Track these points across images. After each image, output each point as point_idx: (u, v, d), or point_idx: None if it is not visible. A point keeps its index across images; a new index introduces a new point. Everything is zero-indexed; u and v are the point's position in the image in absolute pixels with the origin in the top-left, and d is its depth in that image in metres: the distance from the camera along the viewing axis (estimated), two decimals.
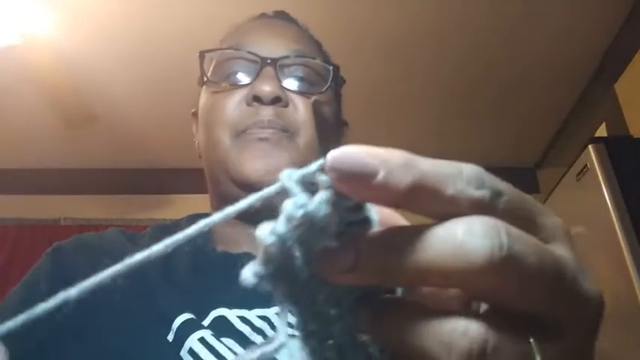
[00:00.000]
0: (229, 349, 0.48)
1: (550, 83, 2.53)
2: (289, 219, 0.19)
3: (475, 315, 0.20)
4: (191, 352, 0.48)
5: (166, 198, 2.93)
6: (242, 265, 0.21)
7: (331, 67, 0.64)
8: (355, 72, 2.45)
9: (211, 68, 0.65)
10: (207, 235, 0.63)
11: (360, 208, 0.21)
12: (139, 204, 3.05)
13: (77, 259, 0.56)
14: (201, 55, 0.65)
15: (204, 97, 0.66)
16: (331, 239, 0.20)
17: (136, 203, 3.06)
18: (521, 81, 2.53)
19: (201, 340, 0.48)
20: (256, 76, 0.60)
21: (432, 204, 0.20)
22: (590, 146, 1.64)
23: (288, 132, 0.59)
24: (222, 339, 0.49)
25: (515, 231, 0.19)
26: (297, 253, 0.20)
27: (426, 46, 2.32)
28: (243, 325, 0.50)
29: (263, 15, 0.73)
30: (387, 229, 0.20)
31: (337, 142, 0.71)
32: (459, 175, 0.20)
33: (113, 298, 0.47)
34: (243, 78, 0.62)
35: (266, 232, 0.19)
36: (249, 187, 0.57)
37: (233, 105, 0.61)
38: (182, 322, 0.50)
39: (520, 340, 0.20)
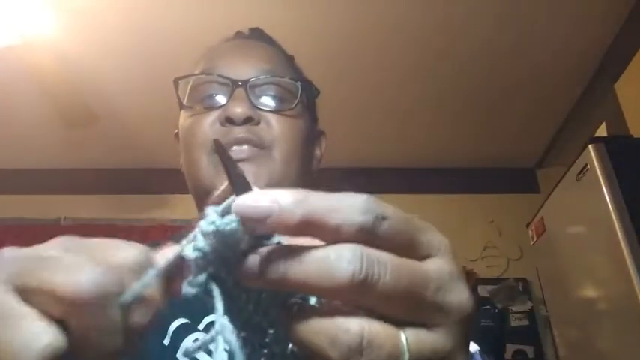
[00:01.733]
0: (225, 350, 0.49)
1: (550, 83, 2.53)
2: (203, 233, 0.25)
3: (361, 315, 0.24)
4: (186, 352, 0.50)
5: (166, 198, 2.94)
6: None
7: (299, 84, 0.67)
8: (354, 73, 2.46)
9: (187, 93, 0.68)
10: None
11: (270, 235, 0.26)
12: (139, 204, 3.05)
13: None
14: (175, 81, 0.68)
15: (182, 120, 0.69)
16: (244, 253, 0.25)
17: (136, 203, 3.06)
18: (522, 81, 2.53)
19: (197, 342, 0.50)
20: (228, 98, 0.64)
21: (322, 232, 0.24)
22: (590, 146, 1.64)
23: (264, 147, 0.62)
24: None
25: (376, 256, 0.24)
26: (220, 263, 0.25)
27: (426, 46, 2.32)
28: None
29: (238, 34, 0.76)
30: (286, 247, 0.24)
31: (313, 153, 0.74)
32: (345, 207, 0.24)
33: None
34: (216, 100, 0.66)
35: (190, 249, 0.25)
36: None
37: (208, 126, 0.64)
38: (177, 327, 0.52)
39: (392, 335, 0.24)
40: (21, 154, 3.02)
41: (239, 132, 0.62)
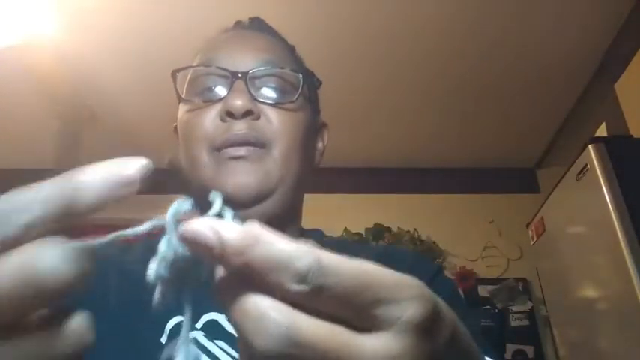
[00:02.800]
0: (222, 349, 0.50)
1: (550, 83, 2.53)
2: (163, 259, 0.25)
3: None
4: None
5: (166, 198, 2.93)
6: None
7: (300, 75, 0.65)
8: (354, 73, 2.46)
9: (185, 85, 0.67)
10: None
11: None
12: (139, 204, 3.04)
13: None
14: (173, 74, 0.67)
15: (180, 113, 0.68)
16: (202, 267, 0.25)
17: (136, 203, 3.05)
18: (521, 81, 2.53)
19: (194, 340, 0.50)
20: (228, 90, 0.62)
21: (259, 283, 0.23)
22: (590, 146, 1.64)
23: (263, 146, 0.61)
24: (215, 340, 0.51)
25: (305, 334, 0.22)
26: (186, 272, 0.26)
27: (425, 45, 2.32)
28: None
29: (237, 24, 0.74)
30: (229, 279, 0.24)
31: (315, 146, 0.73)
32: (285, 268, 0.22)
33: (108, 304, 0.48)
34: (216, 93, 0.64)
35: (151, 275, 0.25)
36: (228, 203, 0.60)
37: (208, 121, 0.63)
38: (175, 325, 0.51)
39: None
40: (21, 154, 3.02)
41: (239, 128, 0.61)
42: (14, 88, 2.45)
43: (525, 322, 2.72)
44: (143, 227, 0.27)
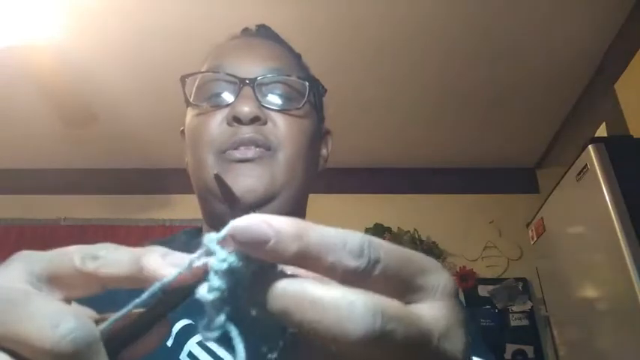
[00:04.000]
0: (221, 358, 0.49)
1: (550, 83, 2.54)
2: (217, 272, 0.24)
3: None
4: (190, 355, 0.49)
5: (166, 198, 2.94)
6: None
7: (307, 83, 0.67)
8: (355, 73, 2.46)
9: (194, 90, 0.68)
10: (200, 248, 0.66)
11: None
12: (139, 204, 3.05)
13: None
14: (182, 79, 0.68)
15: (188, 118, 0.69)
16: (249, 280, 0.24)
17: (136, 203, 3.06)
18: (522, 81, 2.53)
19: (200, 343, 0.50)
20: (236, 96, 0.63)
21: (314, 268, 0.24)
22: (590, 146, 1.64)
23: (270, 149, 0.62)
24: (213, 348, 0.50)
25: (391, 311, 0.23)
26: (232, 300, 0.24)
27: (426, 46, 2.32)
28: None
29: (244, 32, 0.75)
30: (290, 281, 0.24)
31: (319, 152, 0.74)
32: (342, 246, 0.23)
33: (115, 308, 0.48)
34: (223, 99, 0.65)
35: (204, 291, 0.24)
36: (234, 206, 0.60)
37: (215, 125, 0.64)
38: (181, 328, 0.51)
39: None
40: (21, 154, 3.02)
41: (246, 132, 0.61)
42: (14, 89, 2.45)
43: (525, 322, 2.73)
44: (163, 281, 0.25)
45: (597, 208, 1.59)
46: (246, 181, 0.60)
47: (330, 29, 2.22)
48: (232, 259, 0.24)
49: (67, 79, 2.04)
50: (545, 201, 2.08)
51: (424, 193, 3.10)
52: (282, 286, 0.23)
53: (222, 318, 0.24)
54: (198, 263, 0.25)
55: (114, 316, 0.25)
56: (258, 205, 0.60)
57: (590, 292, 1.76)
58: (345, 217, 2.90)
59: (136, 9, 2.12)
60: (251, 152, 0.61)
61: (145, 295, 0.25)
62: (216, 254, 0.24)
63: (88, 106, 2.18)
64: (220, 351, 0.49)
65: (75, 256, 0.26)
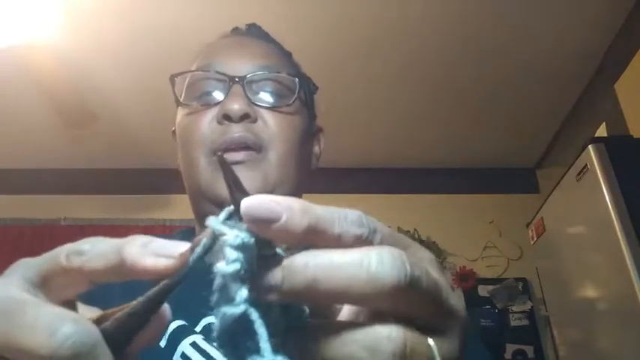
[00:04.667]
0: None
1: (550, 83, 2.54)
2: (234, 247, 0.23)
3: (393, 322, 0.24)
4: (183, 356, 0.49)
5: (166, 198, 2.94)
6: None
7: (297, 79, 0.66)
8: (355, 72, 2.46)
9: (183, 90, 0.67)
10: None
11: (271, 244, 0.25)
12: (139, 204, 3.05)
13: None
14: (172, 78, 0.67)
15: (179, 117, 0.69)
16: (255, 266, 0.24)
17: (136, 203, 3.06)
18: (522, 81, 2.53)
19: (193, 344, 0.50)
20: (225, 94, 0.63)
21: (325, 240, 0.24)
22: (590, 146, 1.64)
23: (260, 150, 0.62)
24: (215, 343, 0.50)
25: (412, 259, 0.24)
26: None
27: (426, 46, 2.32)
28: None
29: (234, 31, 0.75)
30: (310, 253, 0.24)
31: (311, 150, 0.73)
32: (344, 218, 0.24)
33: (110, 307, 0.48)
34: (213, 97, 0.65)
35: (223, 265, 0.23)
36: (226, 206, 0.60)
37: (205, 124, 0.63)
38: (174, 329, 0.51)
39: (425, 342, 0.24)
40: (21, 154, 3.02)
41: (236, 130, 0.61)
42: (14, 89, 2.45)
43: (525, 322, 2.73)
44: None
45: (597, 208, 1.59)
46: None
47: (324, 29, 2.22)
48: (245, 234, 0.24)
49: (67, 79, 2.04)
50: (545, 201, 2.08)
51: (424, 193, 3.10)
52: (301, 260, 0.23)
53: (244, 292, 0.23)
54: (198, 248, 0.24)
55: (115, 314, 0.25)
56: None
57: (590, 292, 1.76)
58: None
59: (135, 9, 2.12)
60: (241, 155, 0.61)
61: (152, 291, 0.24)
62: (227, 232, 0.24)
63: (87, 105, 2.18)
64: (213, 352, 0.49)
65: (61, 254, 0.26)
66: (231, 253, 0.23)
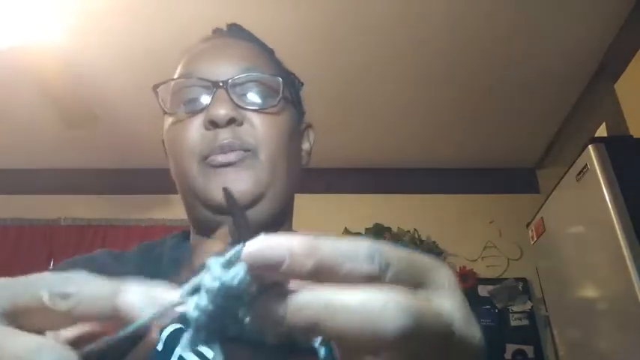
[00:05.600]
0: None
1: (550, 83, 2.54)
2: (207, 291, 0.24)
3: None
4: (181, 359, 0.49)
5: (166, 198, 2.93)
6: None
7: (280, 79, 0.66)
8: (354, 73, 2.46)
9: (169, 98, 0.67)
10: (188, 254, 0.66)
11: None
12: (139, 204, 3.05)
13: None
14: (155, 89, 0.67)
15: (166, 126, 0.69)
16: (251, 299, 0.24)
17: (136, 203, 3.06)
18: (522, 81, 2.53)
19: (180, 358, 0.50)
20: (210, 100, 0.63)
21: (332, 278, 0.24)
22: (590, 146, 1.64)
23: (249, 150, 0.62)
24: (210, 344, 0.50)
25: (420, 307, 0.24)
26: (223, 315, 0.24)
27: (426, 46, 2.32)
28: None
29: (215, 32, 0.75)
30: (314, 293, 0.24)
31: (300, 147, 0.73)
32: (355, 255, 0.24)
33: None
34: (199, 103, 0.65)
35: (191, 307, 0.24)
36: (221, 211, 0.61)
37: (193, 132, 0.64)
38: (171, 332, 0.51)
39: None
40: (21, 154, 3.02)
41: (224, 136, 0.61)
42: (15, 89, 2.45)
43: (525, 322, 2.73)
44: (135, 325, 0.25)
45: (597, 208, 1.59)
46: (232, 185, 0.59)
47: (331, 29, 2.22)
48: (226, 277, 0.24)
49: (68, 79, 2.05)
50: (545, 201, 2.08)
51: (424, 193, 3.10)
52: (305, 297, 0.23)
53: (203, 335, 0.24)
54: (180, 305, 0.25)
55: (95, 343, 0.25)
56: (247, 207, 0.60)
57: (590, 292, 1.76)
58: (345, 217, 2.91)
59: (137, 10, 2.12)
60: (232, 156, 0.61)
61: (128, 329, 0.24)
62: (210, 270, 0.24)
63: (88, 106, 2.18)
64: (211, 355, 0.49)
65: (42, 292, 0.24)
66: (202, 299, 0.24)
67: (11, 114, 2.67)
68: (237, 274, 0.24)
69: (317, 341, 0.27)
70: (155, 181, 3.07)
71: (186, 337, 0.25)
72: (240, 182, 0.60)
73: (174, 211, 2.91)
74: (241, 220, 0.26)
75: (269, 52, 0.73)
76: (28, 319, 0.25)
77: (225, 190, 0.28)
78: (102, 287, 0.25)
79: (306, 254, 0.23)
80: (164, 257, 0.66)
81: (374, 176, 3.15)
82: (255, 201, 0.61)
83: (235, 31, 0.75)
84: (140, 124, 2.77)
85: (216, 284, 0.24)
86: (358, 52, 2.35)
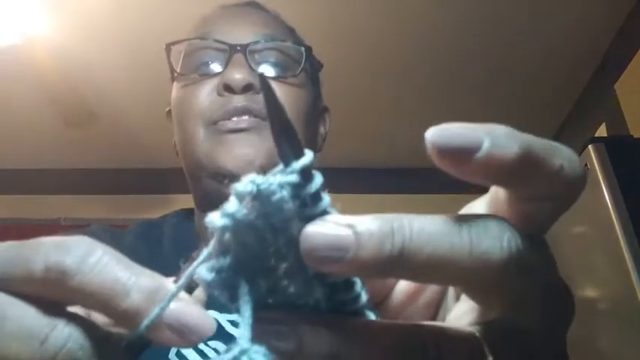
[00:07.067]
0: (217, 351, 0.48)
1: (550, 83, 2.53)
2: (238, 195, 0.17)
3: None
4: (179, 354, 0.48)
5: (166, 198, 2.93)
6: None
7: (303, 49, 0.62)
8: (353, 73, 2.46)
9: (180, 61, 0.63)
10: (190, 231, 0.61)
11: (319, 198, 0.19)
12: (139, 204, 3.05)
13: None
14: (168, 47, 0.62)
15: (175, 91, 0.64)
16: (290, 227, 0.18)
17: (136, 203, 3.06)
18: (521, 81, 2.53)
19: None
20: (226, 64, 0.58)
21: (536, 182, 0.19)
22: (590, 146, 1.64)
23: (265, 118, 0.57)
24: (210, 342, 0.48)
25: (521, 230, 0.19)
26: (256, 237, 0.18)
27: (427, 47, 2.32)
28: (234, 329, 0.49)
29: (232, 4, 0.71)
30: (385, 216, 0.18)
31: (317, 127, 0.68)
32: (559, 150, 0.19)
33: None
34: (213, 68, 0.60)
35: (217, 216, 0.18)
36: (229, 180, 0.55)
37: (204, 96, 0.58)
38: None
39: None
40: (21, 154, 3.02)
41: (239, 101, 0.56)
42: (14, 88, 2.45)
43: None
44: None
45: (597, 208, 1.58)
46: (242, 151, 0.54)
47: (333, 27, 2.22)
48: (266, 183, 0.17)
49: (68, 79, 2.05)
50: None
51: (424, 193, 3.09)
52: (377, 224, 0.18)
53: (227, 260, 0.18)
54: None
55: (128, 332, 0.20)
56: None
57: (590, 292, 1.76)
58: None
59: (137, 9, 2.12)
60: (245, 122, 0.56)
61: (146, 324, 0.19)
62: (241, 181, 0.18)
63: (88, 105, 2.18)
64: (209, 351, 0.48)
65: (36, 263, 0.19)
66: (231, 204, 0.18)
67: (11, 114, 2.67)
68: (276, 181, 0.18)
69: (363, 304, 0.20)
70: (155, 181, 3.08)
71: (202, 267, 0.18)
72: (252, 149, 0.55)
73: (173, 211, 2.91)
74: (282, 126, 0.18)
75: (290, 28, 0.69)
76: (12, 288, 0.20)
77: (262, 77, 0.20)
78: (110, 265, 0.19)
79: (511, 137, 0.19)
80: (165, 238, 0.61)
81: (374, 176, 3.15)
82: (266, 173, 0.56)
83: (255, 4, 0.70)
84: (140, 124, 2.77)
85: (249, 188, 0.17)
86: (359, 51, 2.35)
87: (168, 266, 0.58)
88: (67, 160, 3.07)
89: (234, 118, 0.56)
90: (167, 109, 0.68)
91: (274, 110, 0.18)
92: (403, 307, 0.25)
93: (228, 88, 0.57)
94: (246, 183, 0.17)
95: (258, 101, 0.57)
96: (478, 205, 0.26)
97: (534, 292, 0.20)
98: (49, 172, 3.13)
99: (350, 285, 0.20)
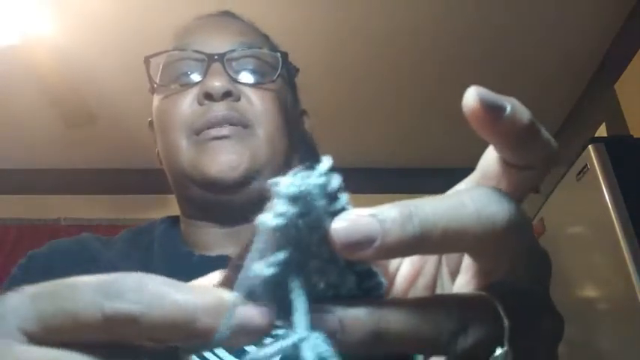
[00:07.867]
0: (216, 355, 0.48)
1: (550, 83, 2.53)
2: (285, 196, 0.19)
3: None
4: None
5: (166, 198, 2.93)
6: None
7: (279, 54, 0.63)
8: (352, 73, 2.46)
9: (159, 73, 0.65)
10: (177, 238, 0.62)
11: (340, 196, 0.22)
12: (139, 204, 3.05)
13: (51, 266, 0.56)
14: (146, 60, 0.66)
15: (155, 103, 0.66)
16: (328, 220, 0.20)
17: (136, 203, 3.06)
18: (521, 81, 2.52)
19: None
20: (205, 73, 0.60)
21: (535, 148, 0.25)
22: (590, 146, 1.64)
23: (247, 126, 0.58)
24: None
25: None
26: (298, 240, 0.20)
27: (423, 47, 2.32)
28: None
29: (208, 15, 0.73)
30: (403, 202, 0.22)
31: (297, 131, 0.70)
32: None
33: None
34: (192, 78, 0.62)
35: (269, 217, 0.19)
36: (213, 188, 0.56)
37: (185, 105, 0.60)
38: None
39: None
40: (21, 154, 3.02)
41: (219, 109, 0.57)
42: (14, 88, 2.45)
43: None
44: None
45: (597, 208, 1.58)
46: (226, 157, 0.55)
47: (329, 30, 2.22)
48: (302, 182, 0.19)
49: (68, 79, 2.05)
50: (545, 201, 2.08)
51: (424, 193, 3.08)
52: (397, 210, 0.21)
53: (282, 255, 0.19)
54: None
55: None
56: (240, 184, 0.56)
57: (590, 292, 1.76)
58: None
59: (137, 9, 2.12)
60: (226, 130, 0.57)
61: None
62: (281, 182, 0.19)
63: (88, 106, 2.18)
64: (221, 352, 0.48)
65: (89, 305, 0.19)
66: (280, 205, 0.19)
67: (11, 114, 2.67)
68: (318, 181, 0.19)
69: (384, 289, 0.24)
70: (155, 181, 3.07)
71: (254, 256, 0.19)
72: (235, 155, 0.56)
73: (173, 211, 2.91)
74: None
75: (265, 35, 0.71)
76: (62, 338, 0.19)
77: None
78: (170, 295, 0.19)
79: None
80: (155, 244, 0.62)
81: (373, 176, 3.15)
82: (250, 178, 0.57)
83: (230, 14, 0.72)
84: (140, 124, 2.76)
85: (292, 190, 0.19)
86: (357, 52, 2.35)
87: (158, 271, 0.58)
88: (67, 160, 3.07)
89: (216, 127, 0.57)
90: (149, 119, 0.70)
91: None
92: (405, 291, 0.29)
93: (208, 96, 0.58)
94: (289, 185, 0.19)
95: (237, 109, 0.58)
96: (465, 185, 0.31)
97: (525, 250, 0.24)
98: (49, 172, 3.13)
99: (374, 273, 0.22)
